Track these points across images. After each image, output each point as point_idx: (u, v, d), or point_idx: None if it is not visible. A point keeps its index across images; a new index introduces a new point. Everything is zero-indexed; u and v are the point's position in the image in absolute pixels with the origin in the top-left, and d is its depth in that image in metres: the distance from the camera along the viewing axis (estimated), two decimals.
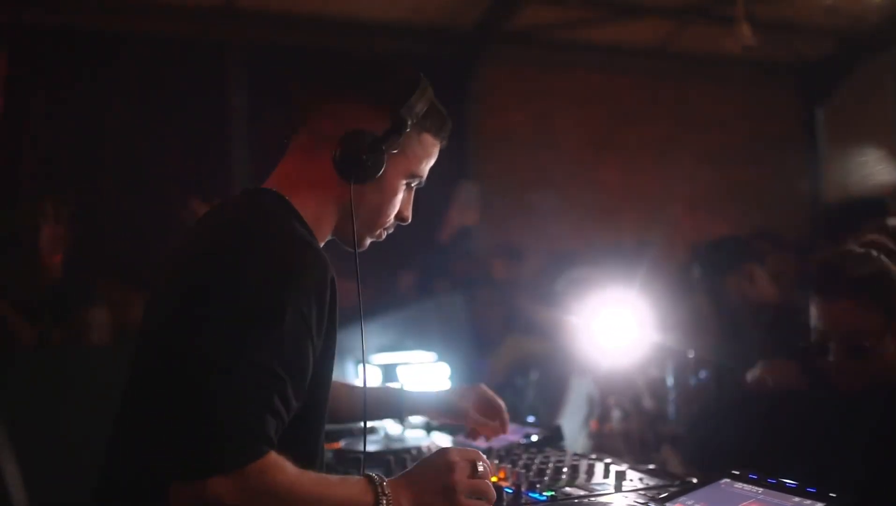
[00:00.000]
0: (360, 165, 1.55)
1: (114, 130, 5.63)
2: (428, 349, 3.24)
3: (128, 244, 5.52)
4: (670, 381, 3.23)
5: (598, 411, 3.40)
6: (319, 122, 1.61)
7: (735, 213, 7.58)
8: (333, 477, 1.46)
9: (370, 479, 1.44)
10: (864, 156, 8.23)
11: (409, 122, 1.57)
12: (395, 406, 2.11)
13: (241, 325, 1.38)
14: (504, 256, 5.60)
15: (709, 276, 3.77)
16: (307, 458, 1.50)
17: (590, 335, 3.08)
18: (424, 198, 1.81)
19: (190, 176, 5.87)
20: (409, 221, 1.71)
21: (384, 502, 1.42)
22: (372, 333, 3.40)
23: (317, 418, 1.55)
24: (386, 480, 1.46)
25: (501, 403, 2.08)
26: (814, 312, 2.21)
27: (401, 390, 2.25)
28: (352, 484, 1.44)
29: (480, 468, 1.52)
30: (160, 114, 5.73)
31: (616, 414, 3.33)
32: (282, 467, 1.37)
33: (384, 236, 1.71)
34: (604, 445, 3.21)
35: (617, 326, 2.97)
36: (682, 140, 7.94)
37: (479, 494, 1.51)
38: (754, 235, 5.50)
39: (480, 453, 1.55)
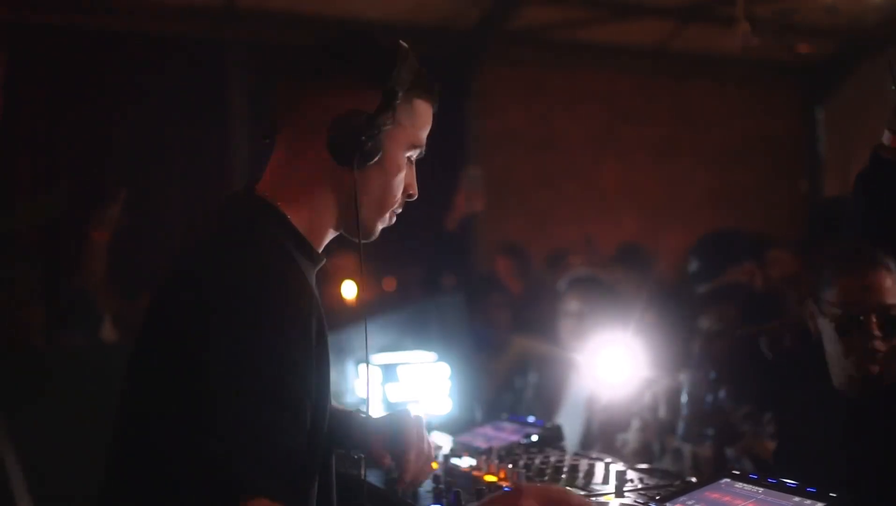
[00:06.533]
0: (361, 147, 1.45)
1: (114, 129, 5.62)
2: (428, 349, 3.24)
3: (126, 245, 5.51)
4: (684, 397, 3.09)
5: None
6: (304, 114, 1.50)
7: (734, 213, 7.58)
8: None
9: None
10: (864, 156, 8.22)
11: (400, 93, 1.47)
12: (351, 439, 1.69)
13: (231, 373, 1.32)
14: (508, 254, 5.59)
15: (707, 269, 3.60)
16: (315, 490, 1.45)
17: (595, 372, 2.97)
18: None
19: (190, 176, 5.87)
20: (417, 195, 1.60)
21: None
22: (372, 333, 3.40)
23: (316, 446, 1.45)
24: None
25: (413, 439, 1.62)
26: (837, 292, 2.07)
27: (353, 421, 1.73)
28: None
29: None
30: (160, 114, 5.72)
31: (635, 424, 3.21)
32: None
33: (394, 220, 1.60)
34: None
35: (622, 360, 2.84)
36: (682, 140, 7.94)
37: None
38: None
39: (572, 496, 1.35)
